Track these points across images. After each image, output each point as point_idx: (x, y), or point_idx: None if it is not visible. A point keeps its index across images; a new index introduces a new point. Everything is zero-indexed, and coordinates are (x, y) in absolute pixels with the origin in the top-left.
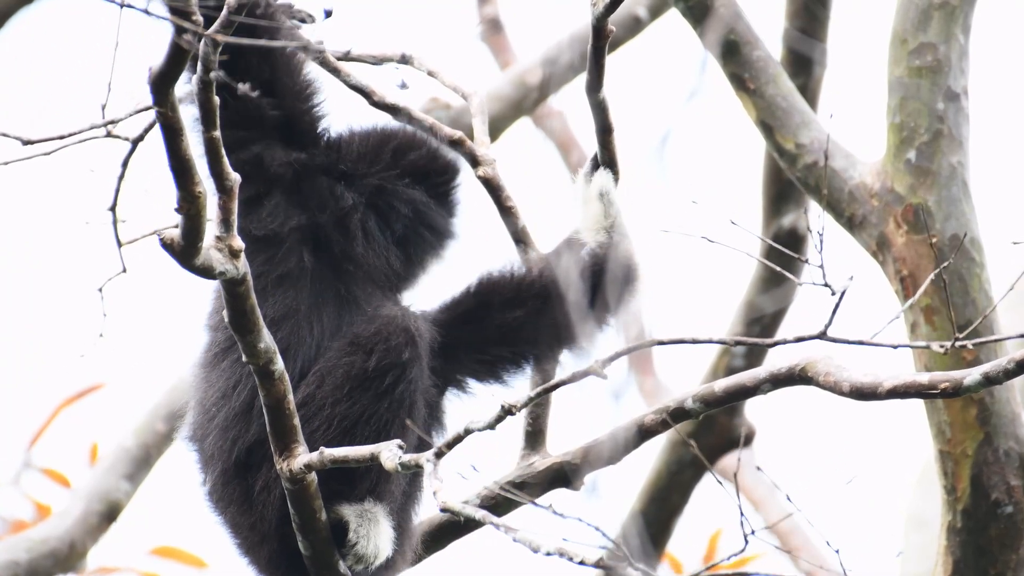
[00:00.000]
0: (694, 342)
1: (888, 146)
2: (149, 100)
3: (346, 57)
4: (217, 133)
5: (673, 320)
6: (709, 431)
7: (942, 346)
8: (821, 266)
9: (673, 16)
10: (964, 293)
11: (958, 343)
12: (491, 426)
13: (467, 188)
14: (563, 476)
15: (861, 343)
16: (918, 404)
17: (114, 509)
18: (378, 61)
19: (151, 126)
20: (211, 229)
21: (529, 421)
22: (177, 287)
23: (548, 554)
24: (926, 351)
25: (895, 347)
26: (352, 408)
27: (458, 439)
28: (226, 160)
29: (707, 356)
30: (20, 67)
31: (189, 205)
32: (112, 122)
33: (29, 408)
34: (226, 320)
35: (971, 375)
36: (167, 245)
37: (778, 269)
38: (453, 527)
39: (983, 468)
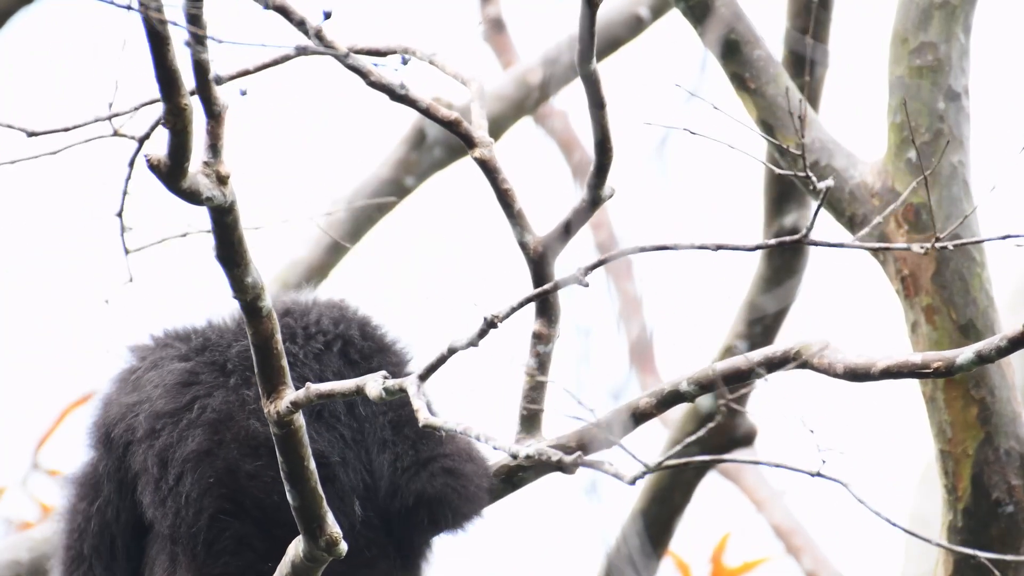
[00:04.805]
0: (675, 247)
1: (889, 146)
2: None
3: (346, 57)
4: (207, 55)
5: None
6: (709, 430)
7: (922, 247)
8: (803, 156)
9: (674, 16)
10: (964, 293)
11: (938, 243)
12: (474, 342)
13: None
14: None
15: (841, 245)
16: (918, 403)
17: None
18: (380, 54)
19: (157, 123)
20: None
21: (525, 404)
22: (181, 290)
23: (528, 456)
24: (921, 343)
25: (875, 248)
26: None
27: (442, 359)
28: (215, 85)
29: (709, 354)
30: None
31: (175, 119)
32: (116, 115)
33: (37, 411)
34: (214, 253)
35: (963, 354)
36: (153, 166)
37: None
38: None
39: (984, 468)
